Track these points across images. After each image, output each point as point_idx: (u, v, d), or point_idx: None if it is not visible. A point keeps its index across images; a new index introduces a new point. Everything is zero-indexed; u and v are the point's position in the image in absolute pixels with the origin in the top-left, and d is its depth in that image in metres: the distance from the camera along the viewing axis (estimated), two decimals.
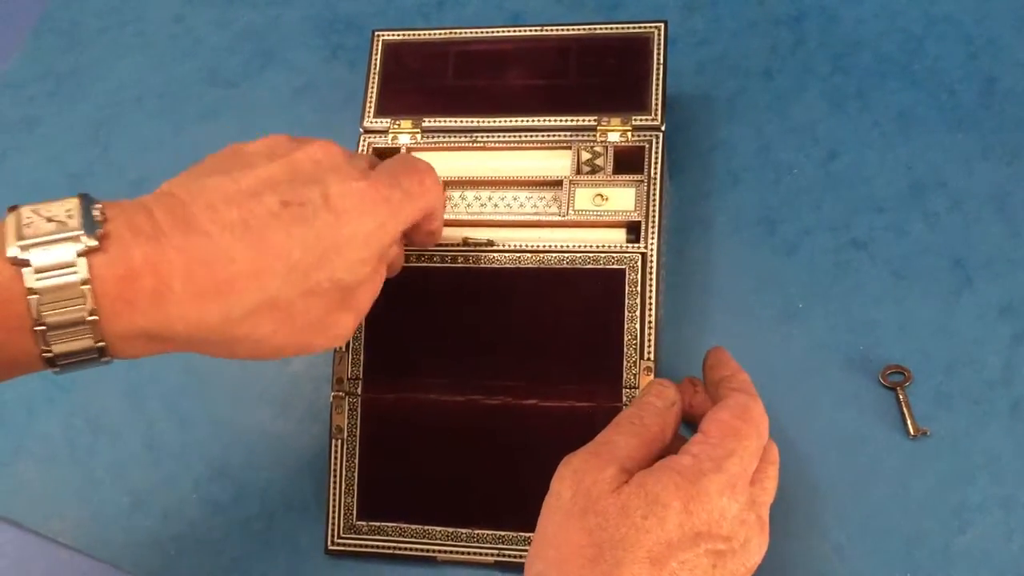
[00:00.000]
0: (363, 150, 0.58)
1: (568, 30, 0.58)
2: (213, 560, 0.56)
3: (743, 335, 0.56)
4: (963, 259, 0.56)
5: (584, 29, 0.57)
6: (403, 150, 0.57)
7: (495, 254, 0.54)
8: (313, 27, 0.70)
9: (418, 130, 0.58)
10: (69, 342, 0.38)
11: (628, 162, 0.55)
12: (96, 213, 0.39)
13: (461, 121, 0.57)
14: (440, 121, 0.58)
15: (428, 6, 0.68)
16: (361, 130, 0.59)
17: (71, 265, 0.37)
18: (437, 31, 0.59)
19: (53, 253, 0.37)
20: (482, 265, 0.55)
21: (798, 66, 0.63)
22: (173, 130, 0.68)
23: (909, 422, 0.52)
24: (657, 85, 0.56)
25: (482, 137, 0.57)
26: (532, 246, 0.54)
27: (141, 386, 0.60)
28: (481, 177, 0.56)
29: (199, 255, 0.39)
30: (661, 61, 0.56)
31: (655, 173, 0.54)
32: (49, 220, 0.38)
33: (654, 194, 0.54)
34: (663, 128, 0.55)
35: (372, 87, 0.59)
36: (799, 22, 0.64)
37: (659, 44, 0.56)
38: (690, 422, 0.53)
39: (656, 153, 0.54)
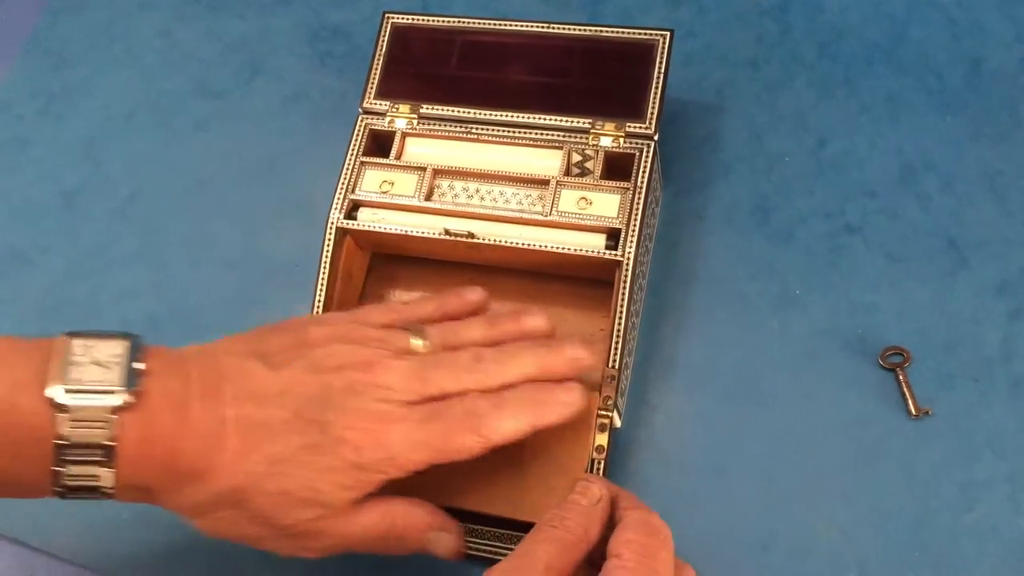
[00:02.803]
0: (360, 131, 0.58)
1: (575, 30, 0.58)
2: (218, 570, 0.56)
3: (741, 324, 0.56)
4: (957, 239, 0.56)
5: (590, 30, 0.57)
6: (398, 134, 0.58)
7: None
8: (301, 36, 0.70)
9: (415, 116, 0.58)
10: (80, 481, 0.42)
11: (619, 168, 0.55)
12: (139, 366, 0.42)
13: (458, 111, 0.57)
14: (438, 109, 0.58)
15: (413, 11, 0.69)
16: (360, 111, 0.59)
17: (104, 421, 0.41)
18: (446, 18, 0.60)
19: (92, 404, 0.41)
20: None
21: (785, 55, 0.63)
22: (165, 144, 0.68)
23: (911, 403, 0.53)
24: (655, 93, 0.55)
25: (477, 129, 0.57)
26: (512, 243, 0.54)
27: None
28: (471, 168, 0.56)
29: (204, 438, 0.43)
30: (663, 69, 0.56)
31: (642, 182, 0.54)
32: (96, 364, 0.42)
33: (638, 203, 0.53)
34: (656, 138, 0.55)
35: (376, 68, 0.59)
36: (784, 11, 0.64)
37: (662, 52, 0.56)
38: None
39: (646, 162, 0.54)
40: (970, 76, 0.60)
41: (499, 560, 0.51)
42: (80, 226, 0.66)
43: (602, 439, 0.51)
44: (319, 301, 0.56)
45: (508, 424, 0.46)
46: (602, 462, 0.51)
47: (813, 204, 0.59)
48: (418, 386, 0.46)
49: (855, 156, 0.59)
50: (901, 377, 0.53)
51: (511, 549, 0.51)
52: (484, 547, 0.52)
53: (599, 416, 0.51)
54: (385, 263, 0.60)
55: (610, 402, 0.51)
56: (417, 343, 0.48)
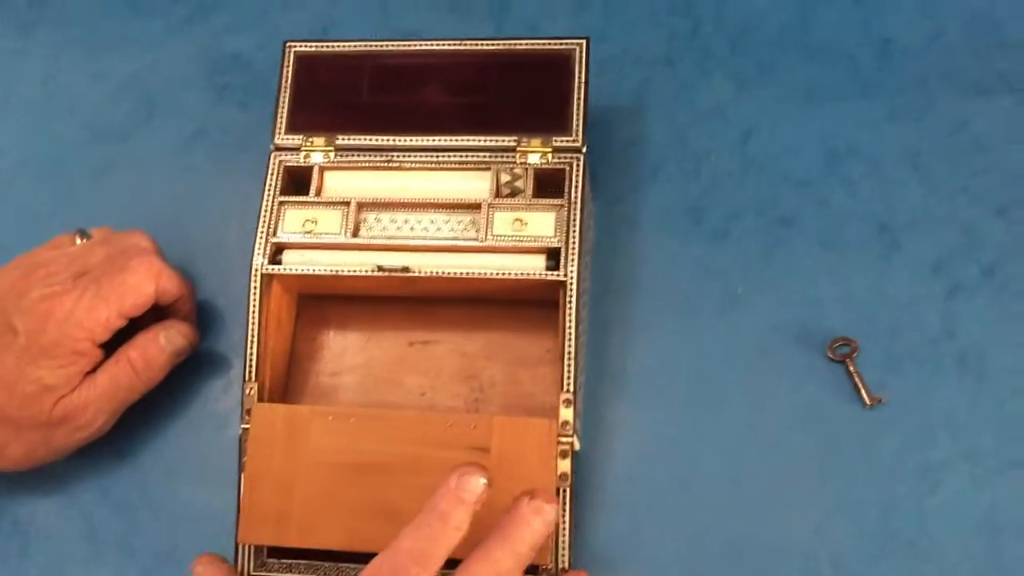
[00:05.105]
0: (274, 169, 0.55)
1: (487, 45, 0.56)
2: None
3: (687, 329, 0.56)
4: (887, 222, 0.57)
5: (504, 44, 0.55)
6: (316, 169, 0.55)
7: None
8: (195, 69, 0.66)
9: (331, 148, 0.55)
10: None
11: (549, 184, 0.53)
12: None
13: (377, 140, 0.55)
14: (355, 139, 0.55)
15: (314, 34, 0.66)
16: (272, 147, 0.56)
17: None
18: (351, 43, 0.57)
19: None
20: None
21: (698, 51, 0.62)
22: (64, 194, 0.64)
23: (863, 392, 0.53)
24: (578, 104, 0.54)
25: (398, 157, 0.55)
26: (449, 273, 0.52)
27: (70, 478, 0.56)
28: (397, 199, 0.54)
29: None
30: (583, 79, 0.54)
31: (575, 197, 0.52)
32: None
33: (575, 219, 0.52)
34: (584, 150, 0.53)
35: (283, 102, 0.56)
36: (692, 7, 0.63)
37: (580, 61, 0.54)
38: None
39: (577, 176, 0.53)
40: (881, 56, 0.61)
41: None
42: None
43: (565, 466, 0.50)
44: (252, 353, 0.53)
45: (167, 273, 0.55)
46: (568, 488, 0.50)
47: (744, 199, 0.58)
48: (78, 265, 0.53)
49: (779, 147, 0.59)
50: (851, 368, 0.53)
51: None
52: None
53: (560, 443, 0.50)
54: (314, 304, 0.58)
55: (569, 427, 0.50)
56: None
